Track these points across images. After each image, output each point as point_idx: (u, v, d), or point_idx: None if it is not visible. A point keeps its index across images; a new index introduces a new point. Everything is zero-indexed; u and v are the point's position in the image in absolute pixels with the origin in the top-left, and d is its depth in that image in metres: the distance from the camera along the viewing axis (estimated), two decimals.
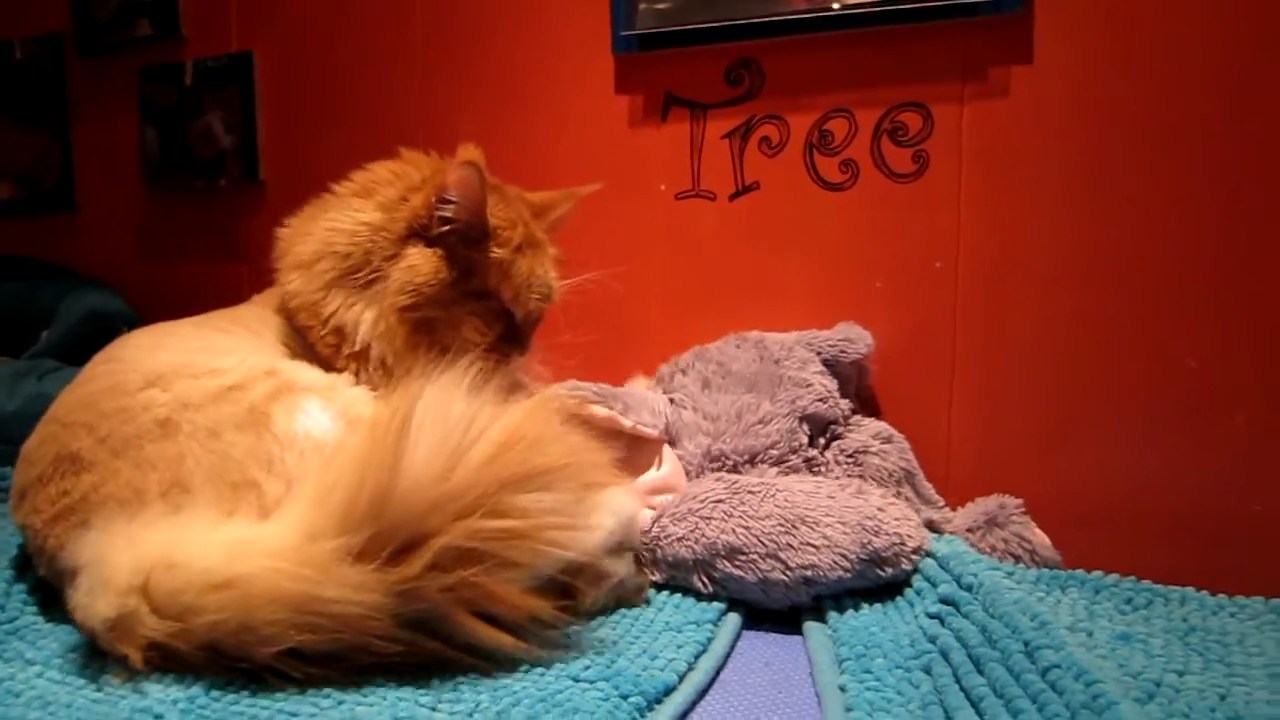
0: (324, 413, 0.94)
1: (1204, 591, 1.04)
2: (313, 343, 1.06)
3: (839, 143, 1.31)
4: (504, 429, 0.85)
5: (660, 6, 1.37)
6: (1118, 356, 1.17)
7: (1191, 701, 0.78)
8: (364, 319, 1.04)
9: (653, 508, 1.04)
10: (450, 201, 1.03)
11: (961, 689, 0.72)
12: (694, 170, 1.40)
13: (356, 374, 1.06)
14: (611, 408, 1.07)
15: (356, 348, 1.04)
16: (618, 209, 1.44)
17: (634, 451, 1.10)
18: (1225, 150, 1.11)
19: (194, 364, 0.98)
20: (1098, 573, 1.07)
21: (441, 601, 0.76)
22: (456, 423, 0.83)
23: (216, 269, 1.86)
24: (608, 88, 1.45)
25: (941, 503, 1.17)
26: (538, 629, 0.82)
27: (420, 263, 1.04)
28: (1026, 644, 0.75)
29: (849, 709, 0.76)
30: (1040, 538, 1.12)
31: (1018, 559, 1.10)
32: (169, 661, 0.77)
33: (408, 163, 1.12)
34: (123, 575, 0.77)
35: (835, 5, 1.27)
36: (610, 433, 1.07)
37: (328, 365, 1.07)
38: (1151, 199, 1.15)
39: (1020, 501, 1.15)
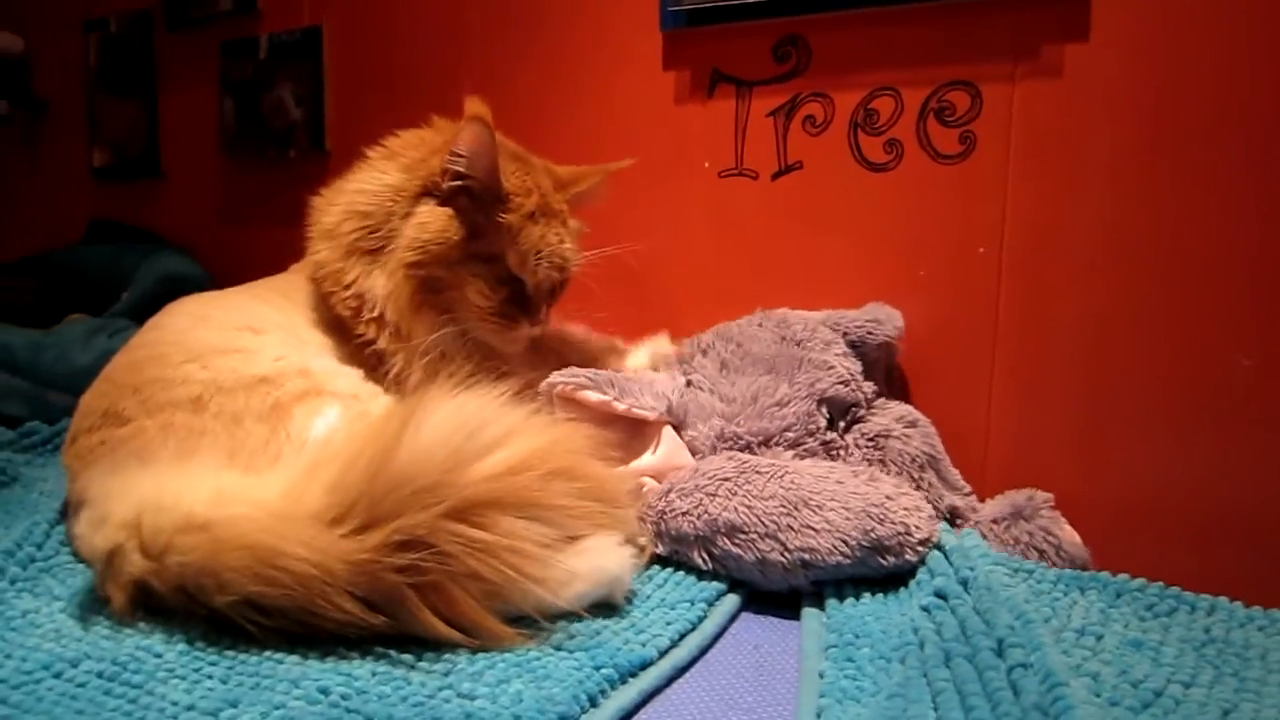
0: (341, 419, 0.98)
1: (1237, 602, 0.99)
2: (334, 307, 1.10)
3: (884, 122, 1.28)
4: (517, 453, 0.86)
5: None
6: (1167, 351, 1.12)
7: (1190, 714, 0.75)
8: (378, 282, 1.06)
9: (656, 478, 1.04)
10: (460, 155, 1.04)
11: (926, 682, 0.70)
12: (738, 148, 1.39)
13: (375, 340, 1.09)
14: (606, 393, 1.06)
15: (375, 313, 1.07)
16: (662, 185, 1.44)
17: (634, 435, 1.10)
18: None
19: (233, 345, 1.04)
20: (1123, 576, 1.02)
21: (394, 585, 0.77)
22: (466, 427, 0.85)
23: (286, 235, 1.92)
24: (655, 64, 1.45)
25: (968, 489, 1.14)
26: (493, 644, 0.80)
27: (429, 220, 1.06)
28: (1000, 641, 0.73)
29: (822, 695, 0.75)
30: (1068, 534, 1.07)
31: (1042, 554, 1.06)
32: (151, 601, 0.81)
33: (435, 128, 1.15)
34: (121, 512, 0.82)
35: None
36: (608, 417, 1.07)
37: (349, 331, 1.11)
38: (1210, 188, 1.08)
39: (1050, 496, 1.11)
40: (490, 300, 1.09)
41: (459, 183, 1.06)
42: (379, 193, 1.09)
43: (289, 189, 1.90)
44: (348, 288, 1.08)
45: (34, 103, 2.35)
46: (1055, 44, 1.16)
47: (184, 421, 0.96)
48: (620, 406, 1.08)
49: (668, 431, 1.11)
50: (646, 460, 1.08)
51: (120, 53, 2.14)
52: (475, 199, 1.07)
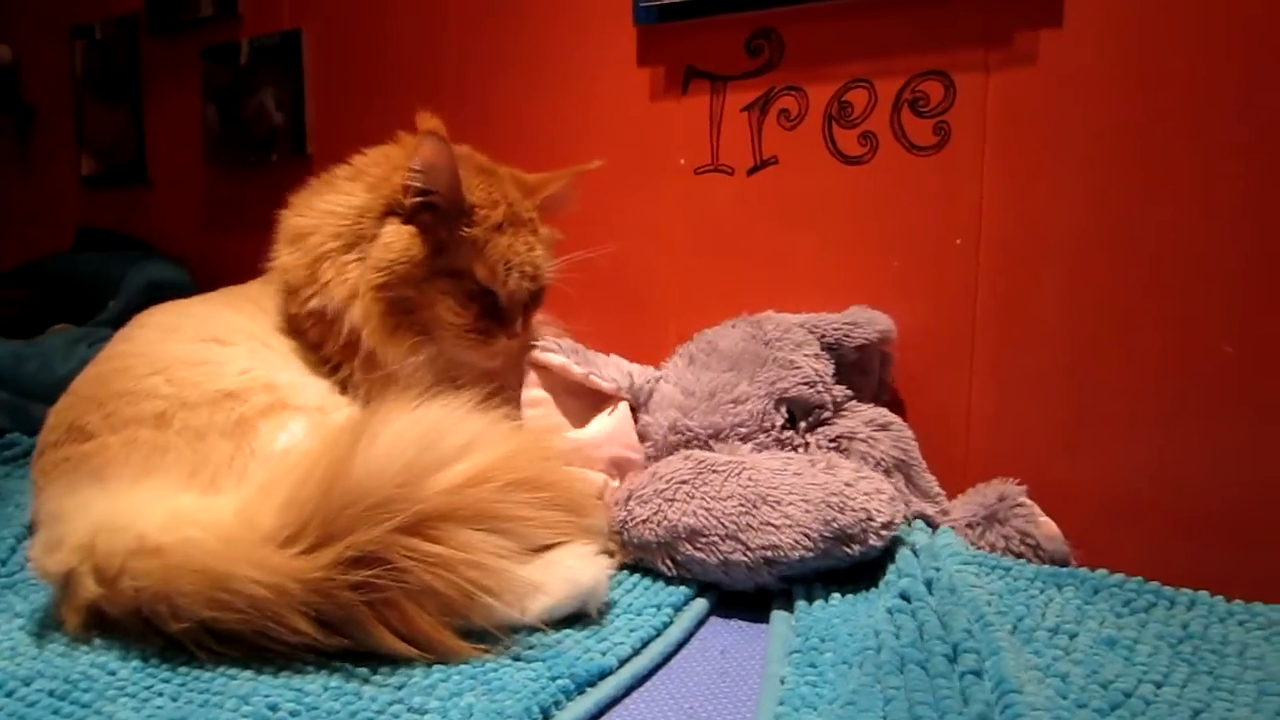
0: (306, 433, 0.97)
1: (1219, 597, 0.97)
2: (307, 333, 1.10)
3: (858, 114, 1.26)
4: (478, 464, 0.84)
5: None
6: (1147, 340, 1.10)
7: (1159, 715, 0.73)
8: (351, 305, 1.05)
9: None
10: (418, 171, 1.03)
11: (880, 690, 0.69)
12: (713, 144, 1.37)
13: (344, 365, 1.08)
14: (568, 358, 1.08)
15: (344, 339, 1.06)
16: (638, 183, 1.43)
17: (591, 409, 1.10)
18: (1270, 121, 1.02)
19: (200, 358, 1.03)
20: (1101, 571, 1.01)
21: (348, 602, 0.75)
22: (423, 439, 0.83)
23: (270, 240, 1.92)
24: (630, 60, 1.43)
25: (940, 495, 1.12)
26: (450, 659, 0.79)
27: (394, 239, 1.04)
28: (954, 646, 0.72)
29: (780, 703, 0.73)
30: (1045, 529, 1.06)
31: (1020, 555, 1.05)
32: (106, 625, 0.81)
33: (400, 144, 1.13)
34: (76, 534, 0.81)
35: None
36: (568, 388, 1.08)
37: (319, 349, 1.10)
38: (1188, 174, 1.06)
39: (1023, 489, 1.09)
40: (463, 316, 1.07)
41: (421, 199, 1.05)
42: (345, 215, 1.08)
43: (272, 194, 1.88)
44: (317, 314, 1.07)
45: (23, 111, 2.35)
46: (1029, 31, 1.14)
47: (147, 438, 0.96)
48: (577, 370, 1.09)
49: (621, 408, 1.11)
50: (588, 431, 1.08)
51: (106, 60, 2.14)
52: (439, 214, 1.06)
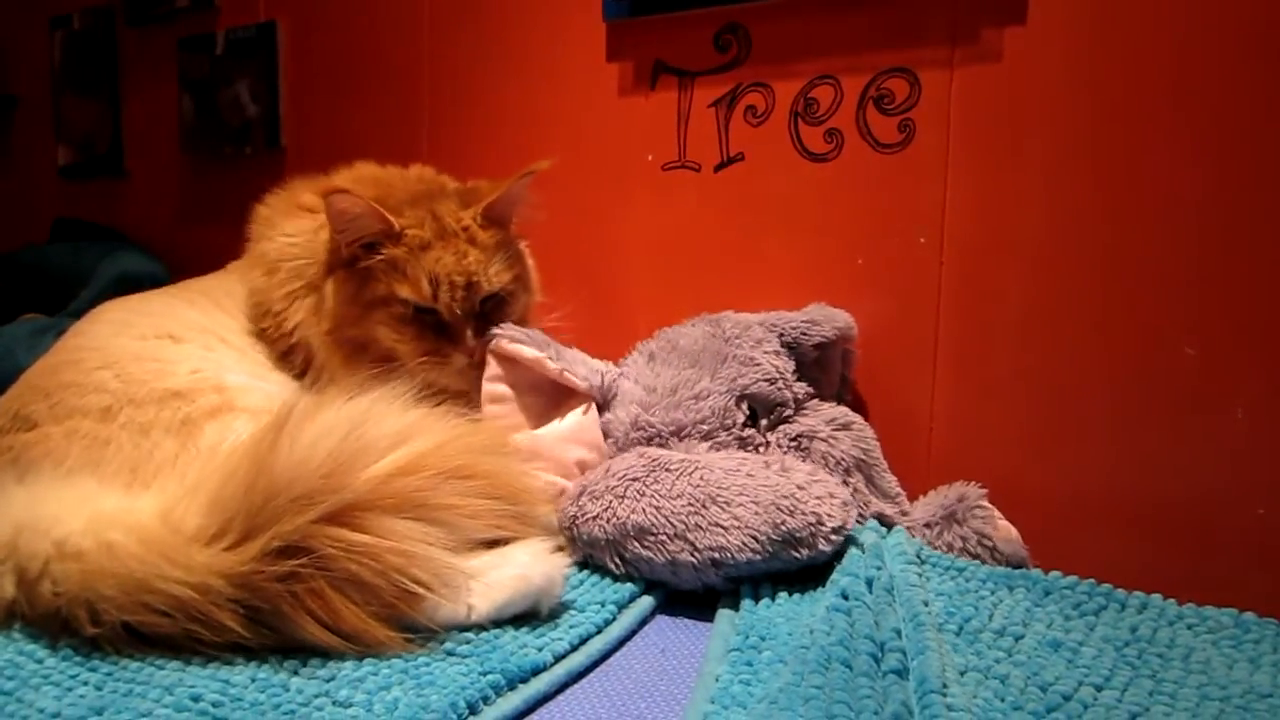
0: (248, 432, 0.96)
1: (1170, 600, 0.96)
2: (274, 344, 1.13)
3: (824, 111, 1.25)
4: (409, 454, 0.83)
5: None
6: (1110, 341, 1.09)
7: (1097, 718, 0.73)
8: (317, 344, 1.10)
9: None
10: (337, 231, 1.07)
11: (803, 686, 0.68)
12: (680, 140, 1.36)
13: (308, 371, 1.12)
14: (543, 351, 1.06)
15: (313, 364, 1.11)
16: (605, 179, 1.42)
17: (556, 404, 1.09)
18: (1235, 121, 1.01)
19: (151, 355, 1.04)
20: (1054, 573, 1.00)
21: (274, 594, 0.75)
22: (349, 431, 0.82)
23: (244, 232, 1.91)
24: (599, 55, 1.42)
25: (899, 495, 1.11)
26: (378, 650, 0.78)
27: (333, 289, 1.09)
28: (881, 645, 0.71)
29: (710, 701, 0.73)
30: (1003, 532, 1.05)
31: (976, 556, 1.04)
32: (26, 625, 0.80)
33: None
34: (1, 532, 0.80)
35: None
36: (535, 382, 1.07)
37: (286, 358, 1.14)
38: (1152, 174, 1.05)
39: (983, 491, 1.08)
40: (404, 338, 1.07)
41: (350, 244, 1.08)
42: (301, 259, 1.13)
43: (246, 186, 1.88)
44: (286, 333, 1.11)
45: (4, 101, 2.34)
46: (993, 28, 1.13)
47: (90, 430, 0.95)
48: (553, 366, 1.07)
49: (592, 408, 1.10)
50: (554, 427, 1.07)
51: (84, 50, 2.13)
52: (368, 248, 1.08)
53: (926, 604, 0.81)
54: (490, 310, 1.11)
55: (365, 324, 1.07)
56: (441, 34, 1.60)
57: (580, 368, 1.09)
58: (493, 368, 1.09)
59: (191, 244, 1.99)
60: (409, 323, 1.07)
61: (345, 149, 1.54)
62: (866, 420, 1.17)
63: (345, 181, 1.14)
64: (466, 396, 1.09)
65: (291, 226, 1.16)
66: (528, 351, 1.06)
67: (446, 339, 1.08)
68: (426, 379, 1.06)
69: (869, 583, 0.84)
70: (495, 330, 1.08)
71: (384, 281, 1.06)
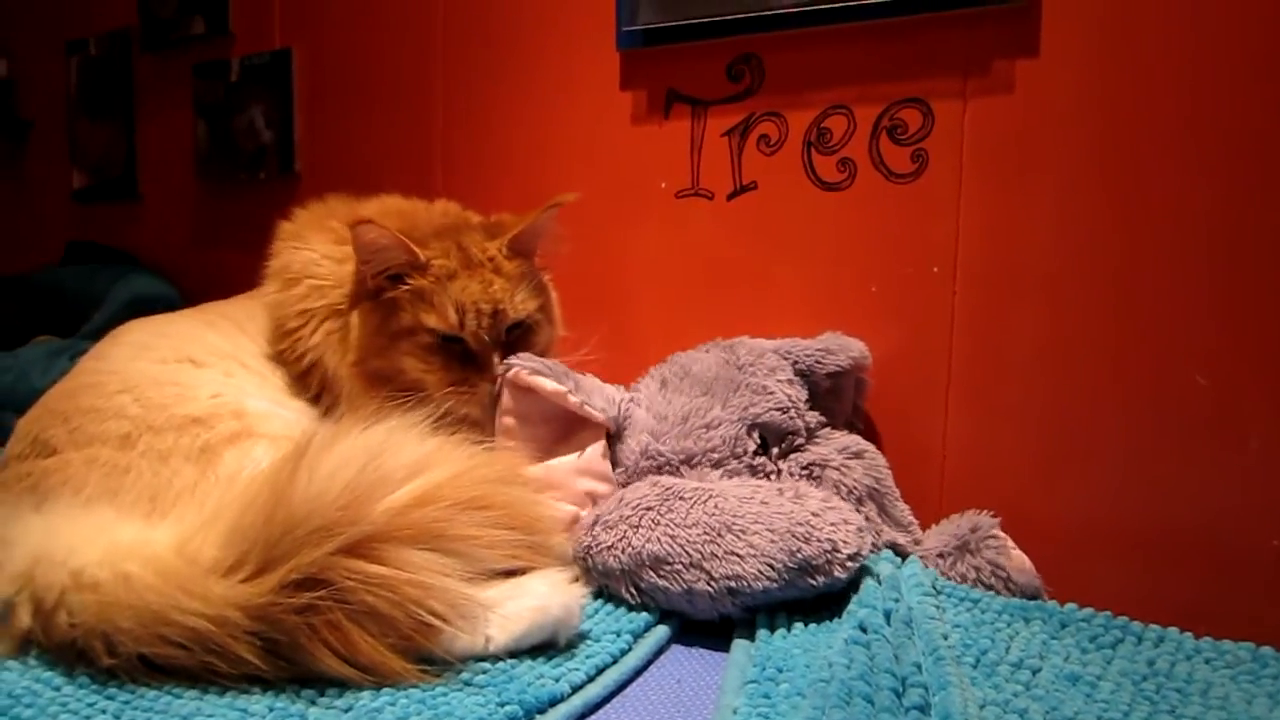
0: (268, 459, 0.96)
1: (1187, 634, 0.96)
2: (290, 365, 1.13)
3: (837, 141, 1.26)
4: (425, 485, 0.83)
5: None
6: (1123, 370, 1.09)
7: None
8: (337, 370, 1.10)
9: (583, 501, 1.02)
10: (365, 261, 1.07)
11: None
12: (693, 168, 1.37)
13: (324, 396, 1.12)
14: (562, 384, 1.05)
15: (331, 389, 1.10)
16: (619, 206, 1.43)
17: (570, 434, 1.08)
18: (1245, 151, 1.01)
19: (171, 379, 1.04)
20: (1070, 605, 1.00)
21: (292, 626, 0.75)
22: (367, 462, 0.82)
23: (258, 257, 1.92)
24: (613, 84, 1.43)
25: (913, 524, 1.11)
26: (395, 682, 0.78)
27: (359, 320, 1.09)
28: (903, 680, 0.70)
29: None
30: (1017, 562, 1.05)
31: (990, 587, 1.03)
32: (40, 655, 0.80)
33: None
34: (15, 562, 0.80)
35: None
36: (549, 411, 1.06)
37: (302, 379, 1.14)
38: (1163, 204, 1.06)
39: (997, 521, 1.08)
40: (432, 368, 1.07)
41: (376, 275, 1.09)
42: (325, 283, 1.13)
43: (260, 211, 1.90)
44: (302, 354, 1.11)
45: (18, 125, 2.36)
46: (1006, 60, 1.14)
47: (109, 457, 0.95)
48: (574, 400, 1.06)
49: (602, 441, 1.09)
50: (570, 459, 1.06)
51: (100, 75, 2.15)
52: (394, 279, 1.09)
53: (945, 637, 0.81)
54: (516, 340, 1.12)
55: (391, 355, 1.07)
56: (455, 62, 1.62)
57: (597, 399, 1.08)
58: (507, 399, 1.07)
59: (204, 268, 2.01)
60: (435, 352, 1.07)
61: (359, 175, 1.56)
62: (878, 449, 1.17)
63: (371, 212, 1.14)
64: (483, 425, 1.09)
65: (317, 243, 1.15)
66: (548, 384, 1.05)
67: (473, 368, 1.08)
68: (458, 411, 1.07)
69: (887, 615, 0.84)
70: (512, 360, 1.07)
71: (410, 312, 1.07)
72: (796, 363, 1.15)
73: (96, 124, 2.16)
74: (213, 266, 1.99)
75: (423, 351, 1.07)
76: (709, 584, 0.91)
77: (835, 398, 1.19)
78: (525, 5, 1.52)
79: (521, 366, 1.06)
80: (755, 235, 1.33)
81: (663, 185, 1.40)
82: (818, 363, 1.14)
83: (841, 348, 1.16)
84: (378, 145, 1.72)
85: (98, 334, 1.73)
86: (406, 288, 1.07)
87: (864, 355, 1.19)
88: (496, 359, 1.09)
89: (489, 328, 1.08)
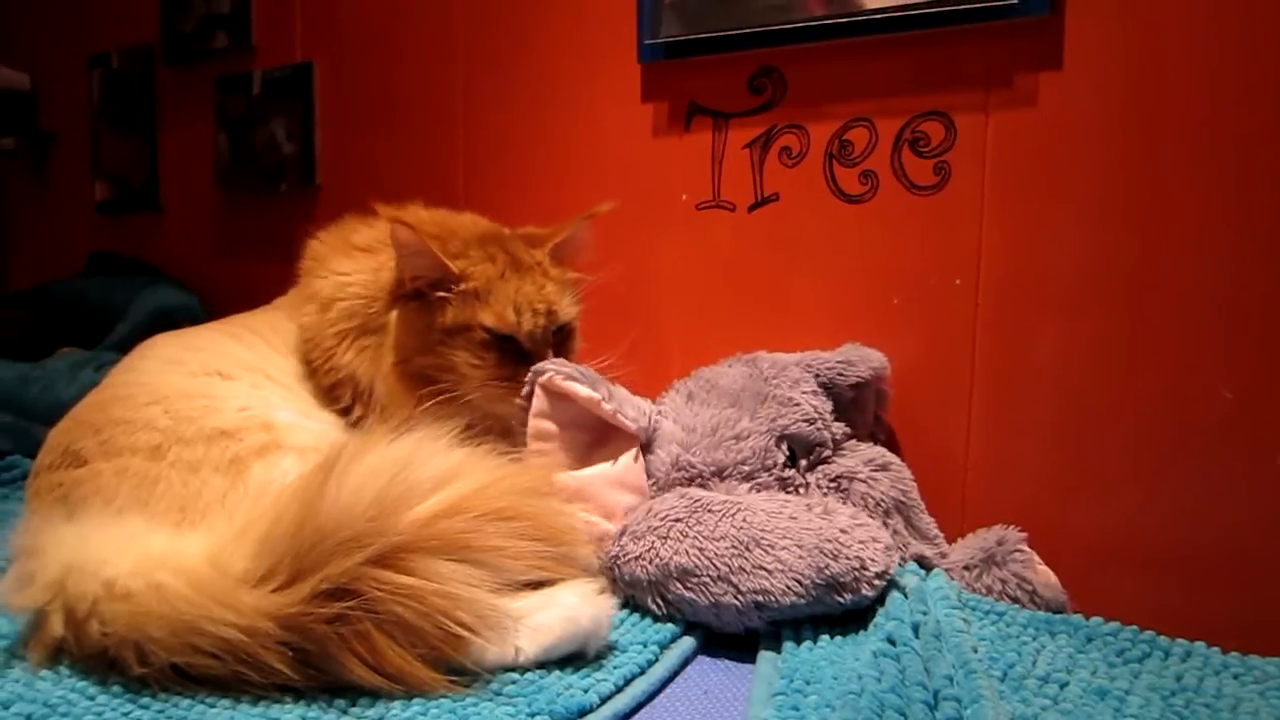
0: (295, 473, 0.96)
1: (1215, 648, 0.95)
2: (322, 381, 1.14)
3: (859, 153, 1.26)
4: (453, 496, 0.84)
5: (685, 11, 1.35)
6: (1146, 384, 1.09)
7: None
8: (375, 382, 1.11)
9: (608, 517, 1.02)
10: (403, 258, 1.09)
11: None
12: (715, 180, 1.38)
13: (354, 408, 1.13)
14: (596, 391, 1.05)
15: (368, 402, 1.12)
16: (640, 218, 1.43)
17: (601, 443, 1.08)
18: (1270, 164, 1.01)
19: (200, 391, 1.05)
20: (1096, 619, 0.99)
21: (322, 636, 0.75)
22: (395, 473, 0.83)
23: (279, 268, 1.93)
24: (634, 96, 1.44)
25: (938, 537, 1.11)
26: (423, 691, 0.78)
27: (400, 320, 1.10)
28: (935, 693, 0.71)
29: None
30: (1043, 576, 1.04)
31: (1016, 600, 1.03)
32: (72, 665, 0.81)
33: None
34: (48, 571, 0.81)
35: (859, 10, 1.22)
36: (581, 419, 1.06)
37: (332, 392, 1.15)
38: (1188, 216, 1.06)
39: (1023, 536, 1.08)
40: (484, 363, 1.09)
41: (415, 281, 1.10)
42: (359, 298, 1.14)
43: (281, 223, 1.92)
44: (337, 369, 1.12)
45: (41, 137, 2.39)
46: (1028, 73, 1.14)
47: (139, 468, 0.96)
48: (608, 408, 1.05)
49: (634, 450, 1.08)
50: (603, 469, 1.05)
51: (122, 88, 2.17)
52: (433, 284, 1.10)
53: (975, 650, 0.81)
54: (561, 342, 1.15)
55: (440, 352, 1.09)
56: (476, 74, 1.63)
57: (630, 408, 1.08)
58: (540, 402, 1.06)
59: (225, 279, 2.02)
60: (489, 349, 1.10)
61: (380, 187, 1.56)
62: (901, 460, 1.17)
63: (410, 220, 1.15)
64: (515, 432, 1.10)
65: (346, 265, 1.17)
66: (581, 390, 1.04)
67: (524, 366, 1.09)
68: (492, 410, 1.10)
69: (915, 628, 0.84)
70: (545, 364, 1.07)
71: (459, 309, 1.09)
72: (819, 375, 1.15)
73: (120, 136, 2.19)
74: (234, 277, 2.01)
75: (476, 348, 1.09)
76: (736, 598, 0.91)
77: (858, 409, 1.20)
78: (547, 19, 1.54)
79: (556, 371, 1.05)
80: (776, 247, 1.33)
81: (684, 197, 1.40)
82: (840, 375, 1.14)
83: (862, 359, 1.17)
84: (399, 158, 1.74)
85: (122, 345, 1.76)
86: (461, 289, 1.09)
87: (884, 366, 1.19)
88: (543, 358, 1.11)
89: (543, 327, 1.12)
